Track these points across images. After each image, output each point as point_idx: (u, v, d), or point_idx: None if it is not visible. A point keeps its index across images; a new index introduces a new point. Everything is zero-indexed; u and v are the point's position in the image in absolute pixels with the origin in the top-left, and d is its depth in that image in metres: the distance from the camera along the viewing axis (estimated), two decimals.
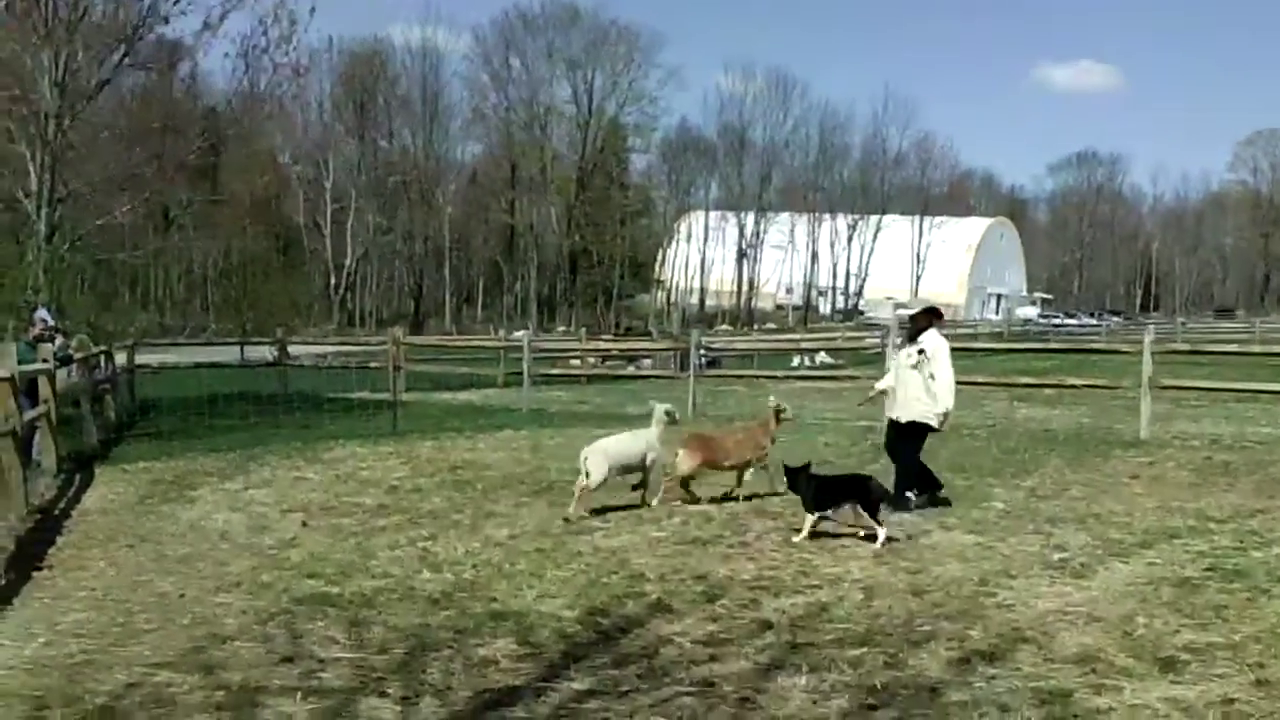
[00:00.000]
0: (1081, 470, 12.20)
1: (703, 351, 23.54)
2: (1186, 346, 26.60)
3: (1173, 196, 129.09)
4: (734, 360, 33.68)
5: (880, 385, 11.05)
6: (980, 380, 21.10)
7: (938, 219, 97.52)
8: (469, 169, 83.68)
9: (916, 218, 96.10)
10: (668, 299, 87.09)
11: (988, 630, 6.26)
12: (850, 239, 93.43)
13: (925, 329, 10.35)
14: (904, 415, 10.26)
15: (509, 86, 78.88)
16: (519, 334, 33.49)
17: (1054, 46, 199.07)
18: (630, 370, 32.33)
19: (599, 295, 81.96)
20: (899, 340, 11.06)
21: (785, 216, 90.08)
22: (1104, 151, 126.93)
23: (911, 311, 10.80)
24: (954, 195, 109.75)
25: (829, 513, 8.77)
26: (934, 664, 5.70)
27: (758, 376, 26.79)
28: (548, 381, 26.30)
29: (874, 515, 8.49)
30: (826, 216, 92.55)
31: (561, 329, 67.17)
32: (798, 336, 56.54)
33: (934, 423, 10.09)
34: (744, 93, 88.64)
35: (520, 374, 22.52)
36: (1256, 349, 28.48)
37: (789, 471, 9.12)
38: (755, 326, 79.12)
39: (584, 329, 50.67)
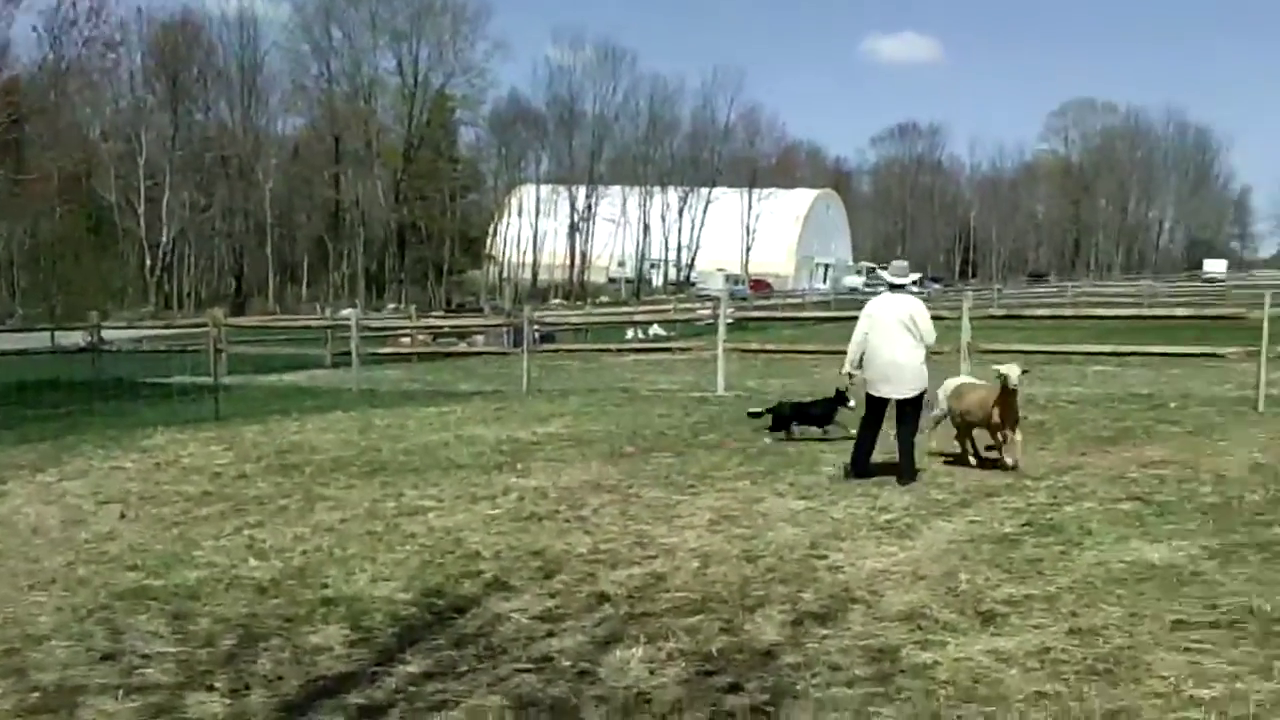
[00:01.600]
0: None
1: (536, 327, 23.48)
2: (1003, 311, 27.68)
3: (989, 166, 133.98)
4: (568, 335, 33.68)
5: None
6: (810, 349, 21.59)
7: (766, 191, 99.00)
8: (291, 143, 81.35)
9: (745, 190, 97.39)
10: (500, 274, 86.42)
11: (819, 592, 6.39)
12: (681, 211, 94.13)
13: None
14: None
15: (331, 58, 76.74)
16: (346, 312, 32.90)
17: (878, 18, 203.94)
18: (462, 347, 31.97)
19: (429, 271, 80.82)
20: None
21: (617, 189, 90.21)
22: (924, 123, 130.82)
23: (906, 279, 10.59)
24: (782, 167, 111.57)
25: None
26: (768, 628, 5.79)
27: (592, 350, 26.85)
28: (377, 360, 25.85)
29: None
30: (657, 189, 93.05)
31: (391, 306, 66.00)
32: (631, 309, 56.84)
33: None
34: (573, 64, 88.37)
35: (349, 353, 22.11)
36: (1068, 312, 29.76)
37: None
38: (589, 300, 79.13)
39: (414, 306, 49.78)
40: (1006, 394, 9.89)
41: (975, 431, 10.52)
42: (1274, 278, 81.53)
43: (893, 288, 10.35)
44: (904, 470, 9.67)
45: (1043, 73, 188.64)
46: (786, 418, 12.39)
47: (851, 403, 11.44)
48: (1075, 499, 8.80)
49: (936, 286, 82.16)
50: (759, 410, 12.96)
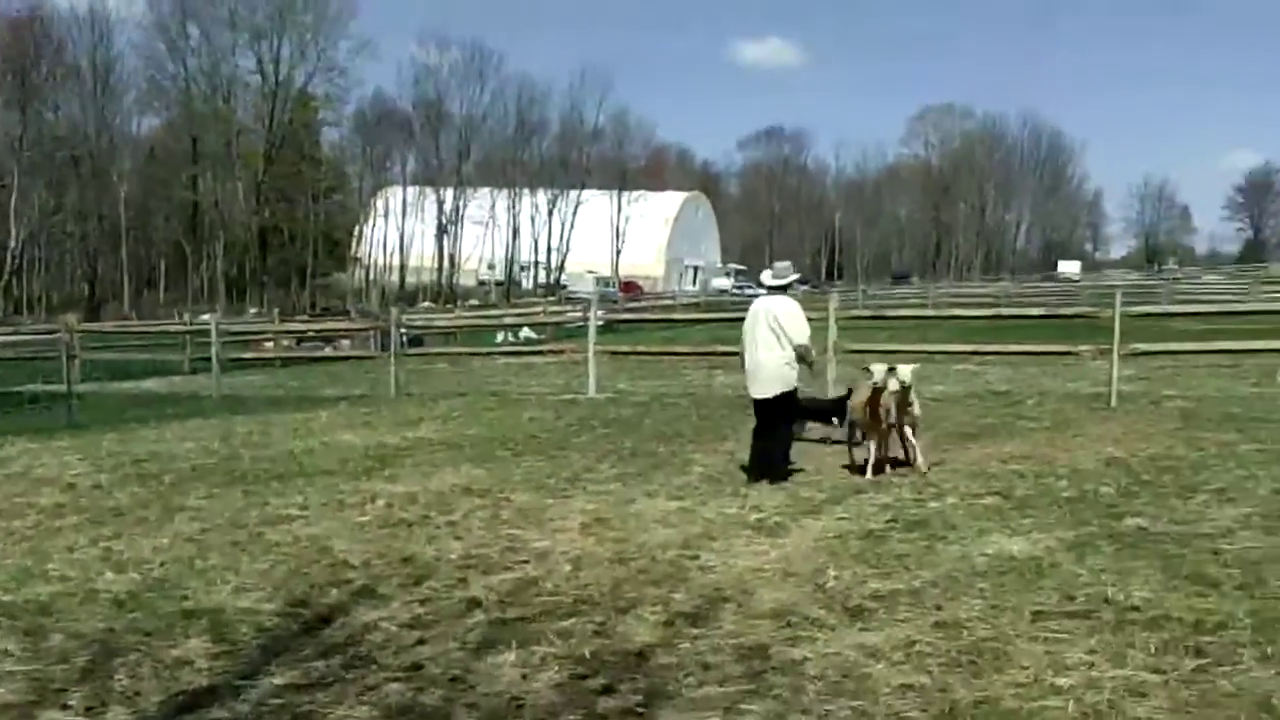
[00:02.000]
0: None
1: (404, 330, 23.19)
2: (869, 312, 28.25)
3: (853, 169, 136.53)
4: (437, 338, 33.36)
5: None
6: (680, 351, 21.74)
7: (635, 193, 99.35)
8: (147, 144, 78.91)
9: (615, 192, 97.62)
10: (366, 277, 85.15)
11: (691, 592, 6.41)
12: (551, 213, 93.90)
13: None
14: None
15: (188, 56, 74.59)
16: (206, 317, 32.01)
17: (745, 23, 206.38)
18: (328, 351, 31.48)
19: (292, 275, 79.14)
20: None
21: (485, 191, 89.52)
22: (790, 127, 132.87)
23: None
24: (651, 170, 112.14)
25: None
26: (641, 629, 5.79)
27: (462, 354, 26.63)
28: (239, 366, 25.29)
29: None
30: (526, 191, 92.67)
31: (253, 311, 64.35)
32: (501, 312, 56.49)
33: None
34: (440, 64, 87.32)
35: (209, 359, 21.57)
36: (930, 312, 30.51)
37: None
38: (458, 303, 78.40)
39: (277, 310, 48.85)
40: (877, 394, 9.98)
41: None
42: (1124, 278, 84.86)
43: (769, 289, 10.39)
44: (770, 471, 9.75)
45: (904, 78, 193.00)
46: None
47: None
48: (939, 495, 9.00)
49: (804, 288, 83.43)
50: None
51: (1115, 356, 14.92)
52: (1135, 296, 32.37)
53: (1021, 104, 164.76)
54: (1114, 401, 14.52)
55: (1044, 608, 5.92)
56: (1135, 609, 5.83)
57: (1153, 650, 5.20)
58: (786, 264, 10.70)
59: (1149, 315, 18.83)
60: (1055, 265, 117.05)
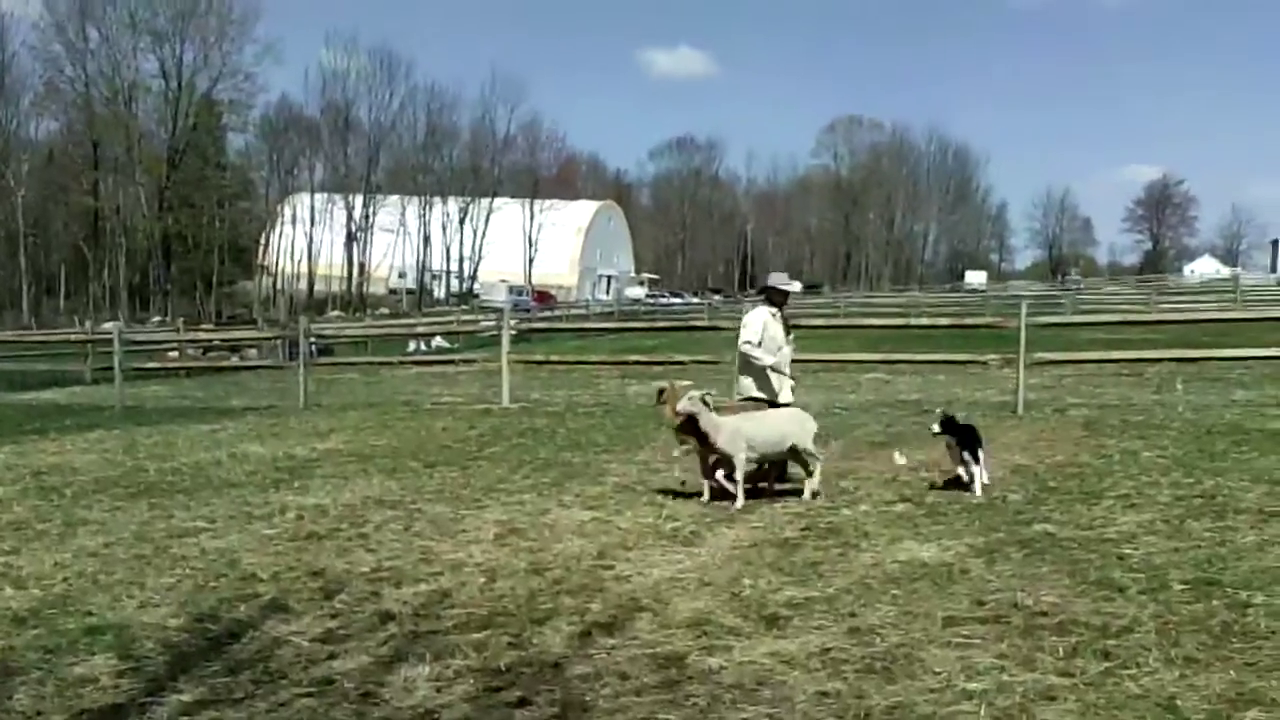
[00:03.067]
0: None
1: (313, 339, 22.88)
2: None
3: (765, 180, 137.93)
4: (347, 347, 32.98)
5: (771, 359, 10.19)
6: (594, 360, 21.73)
7: (548, 202, 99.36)
8: (45, 148, 76.97)
9: (527, 201, 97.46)
10: (274, 285, 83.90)
11: (607, 602, 6.39)
12: (462, 222, 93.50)
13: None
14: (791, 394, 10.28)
15: (87, 59, 72.95)
16: (108, 325, 31.29)
17: (656, 33, 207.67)
18: (235, 361, 30.96)
19: (198, 282, 77.67)
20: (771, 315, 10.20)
21: (395, 199, 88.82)
22: (701, 137, 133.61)
23: (798, 287, 10.30)
24: (563, 179, 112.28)
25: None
26: (556, 640, 5.75)
27: (373, 363, 26.36)
28: (143, 376, 24.74)
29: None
30: (437, 199, 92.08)
31: (157, 319, 63.09)
32: (413, 321, 56.02)
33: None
34: (347, 70, 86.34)
35: (111, 369, 21.08)
36: (841, 322, 30.82)
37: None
38: (369, 312, 77.60)
39: (182, 319, 47.83)
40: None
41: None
42: (1029, 288, 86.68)
43: (786, 295, 10.55)
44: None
45: (814, 90, 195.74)
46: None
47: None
48: (852, 502, 9.09)
49: (717, 298, 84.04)
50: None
51: (1021, 366, 15.22)
52: (1040, 307, 33.13)
53: (928, 117, 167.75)
54: (1020, 410, 14.80)
55: (955, 613, 5.99)
56: (1044, 614, 5.93)
57: (1061, 654, 5.29)
58: (781, 275, 10.77)
59: (1054, 325, 19.22)
60: (963, 276, 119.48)
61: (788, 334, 10.36)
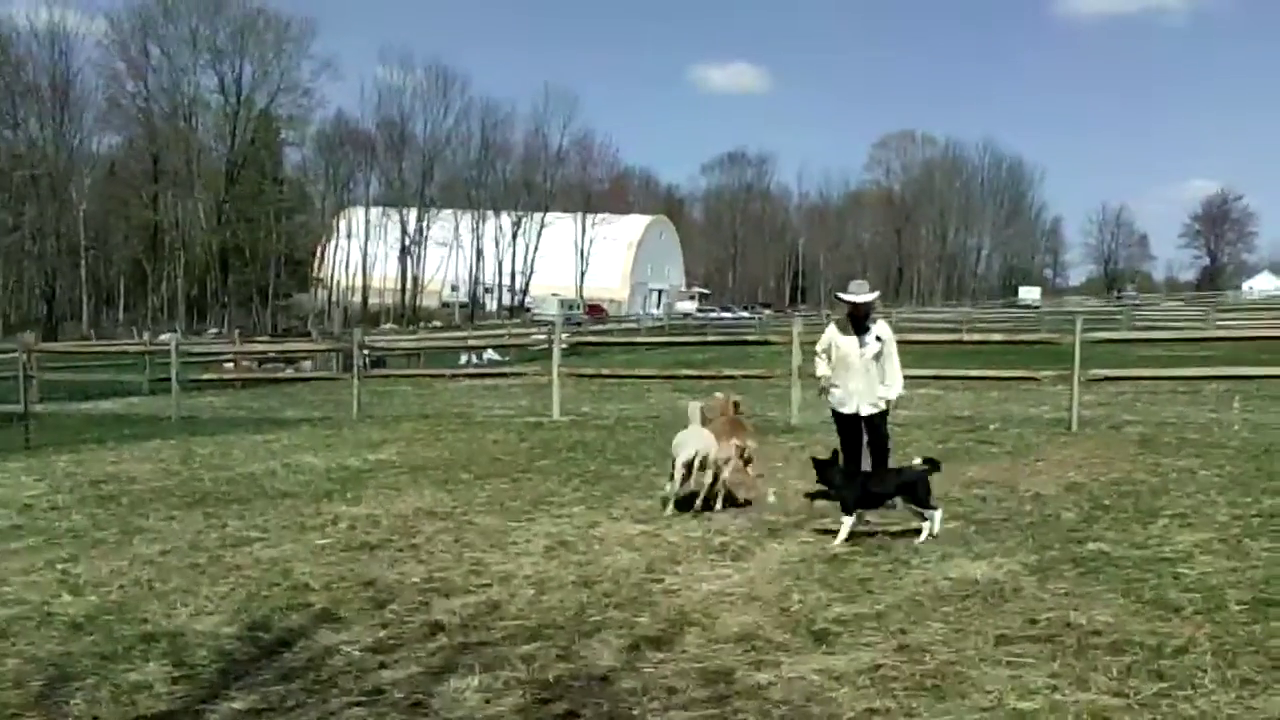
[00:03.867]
0: None
1: (366, 351, 23.08)
2: None
3: (817, 195, 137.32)
4: (399, 359, 33.20)
5: (824, 371, 10.07)
6: (644, 374, 21.74)
7: (600, 216, 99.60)
8: (106, 162, 78.24)
9: (579, 215, 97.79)
10: (329, 298, 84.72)
11: (655, 616, 6.39)
12: (515, 236, 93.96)
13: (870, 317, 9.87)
14: (873, 407, 9.83)
15: (149, 75, 74.10)
16: (165, 337, 31.77)
17: (710, 48, 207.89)
18: (289, 373, 31.27)
19: (254, 295, 78.64)
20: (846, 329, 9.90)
21: (449, 213, 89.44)
22: (753, 152, 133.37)
23: (864, 298, 9.96)
24: (615, 193, 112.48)
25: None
26: (605, 653, 5.76)
27: (425, 376, 26.52)
28: (199, 387, 25.07)
29: (926, 505, 8.33)
30: (490, 213, 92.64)
31: (213, 331, 63.96)
32: (464, 334, 56.33)
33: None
34: (403, 85, 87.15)
35: (168, 380, 21.37)
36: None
37: (820, 465, 8.65)
38: (421, 325, 78.10)
39: (238, 330, 48.45)
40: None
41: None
42: (1084, 304, 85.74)
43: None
44: None
45: (867, 105, 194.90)
46: None
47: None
48: (903, 519, 9.01)
49: (767, 312, 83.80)
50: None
51: (1075, 382, 15.04)
52: (1095, 323, 32.74)
53: (982, 132, 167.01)
54: (1075, 426, 14.63)
55: (1007, 632, 5.93)
56: (1097, 633, 5.86)
57: (1115, 674, 5.22)
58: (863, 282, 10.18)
59: (1109, 341, 19.00)
60: (1016, 291, 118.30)
61: (861, 341, 9.75)
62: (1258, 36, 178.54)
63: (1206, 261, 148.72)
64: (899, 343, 10.17)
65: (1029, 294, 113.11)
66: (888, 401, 9.88)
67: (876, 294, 10.31)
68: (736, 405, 10.67)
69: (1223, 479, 10.56)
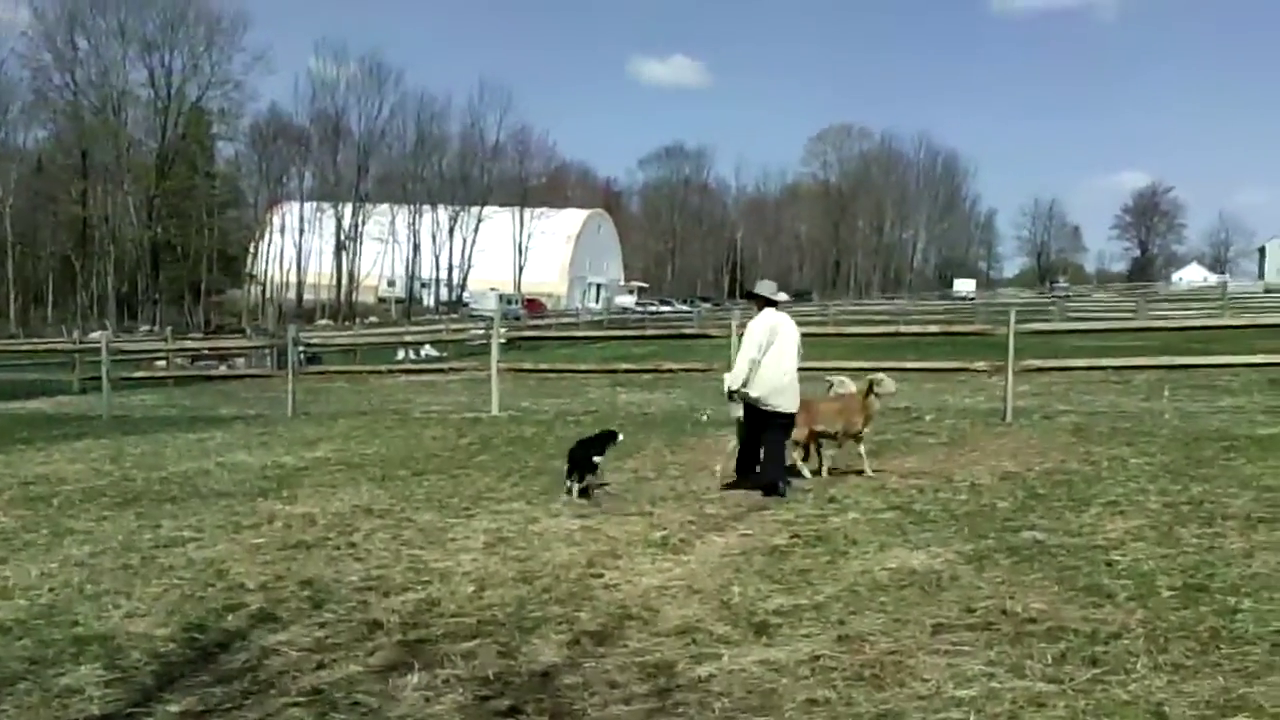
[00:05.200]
0: (680, 451, 12.74)
1: (301, 348, 22.84)
2: None
3: (754, 188, 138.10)
4: (335, 355, 32.94)
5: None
6: (584, 368, 21.72)
7: (538, 210, 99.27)
8: (33, 156, 76.73)
9: (517, 209, 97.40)
10: (263, 294, 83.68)
11: (596, 611, 6.38)
12: (452, 230, 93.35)
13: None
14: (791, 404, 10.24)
15: (76, 67, 72.82)
16: (95, 335, 31.23)
17: (649, 41, 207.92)
18: (223, 370, 30.92)
19: (185, 292, 77.50)
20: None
21: (385, 207, 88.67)
22: (691, 145, 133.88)
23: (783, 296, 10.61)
24: (552, 187, 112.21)
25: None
26: (546, 649, 5.74)
27: (361, 372, 26.31)
28: (130, 385, 24.71)
29: None
30: (427, 207, 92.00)
31: (145, 328, 62.95)
32: (401, 329, 55.96)
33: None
34: (337, 79, 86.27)
35: (99, 379, 21.02)
36: (830, 330, 30.88)
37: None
38: (357, 320, 77.47)
39: (170, 328, 47.71)
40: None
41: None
42: (1017, 296, 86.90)
43: (777, 305, 10.52)
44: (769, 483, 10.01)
45: (805, 99, 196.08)
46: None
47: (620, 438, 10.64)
48: (840, 510, 9.09)
49: (706, 305, 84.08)
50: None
51: (1010, 373, 15.24)
52: (1029, 314, 33.21)
53: (918, 126, 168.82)
54: (1009, 417, 14.82)
55: (944, 620, 6.00)
56: (1033, 620, 5.93)
57: (1050, 661, 5.29)
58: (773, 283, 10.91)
59: (1042, 332, 19.28)
60: (951, 283, 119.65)
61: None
62: (1187, 30, 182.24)
63: (1137, 253, 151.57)
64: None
65: (964, 286, 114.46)
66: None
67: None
68: (871, 386, 11.01)
69: (1154, 467, 10.75)
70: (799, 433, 10.58)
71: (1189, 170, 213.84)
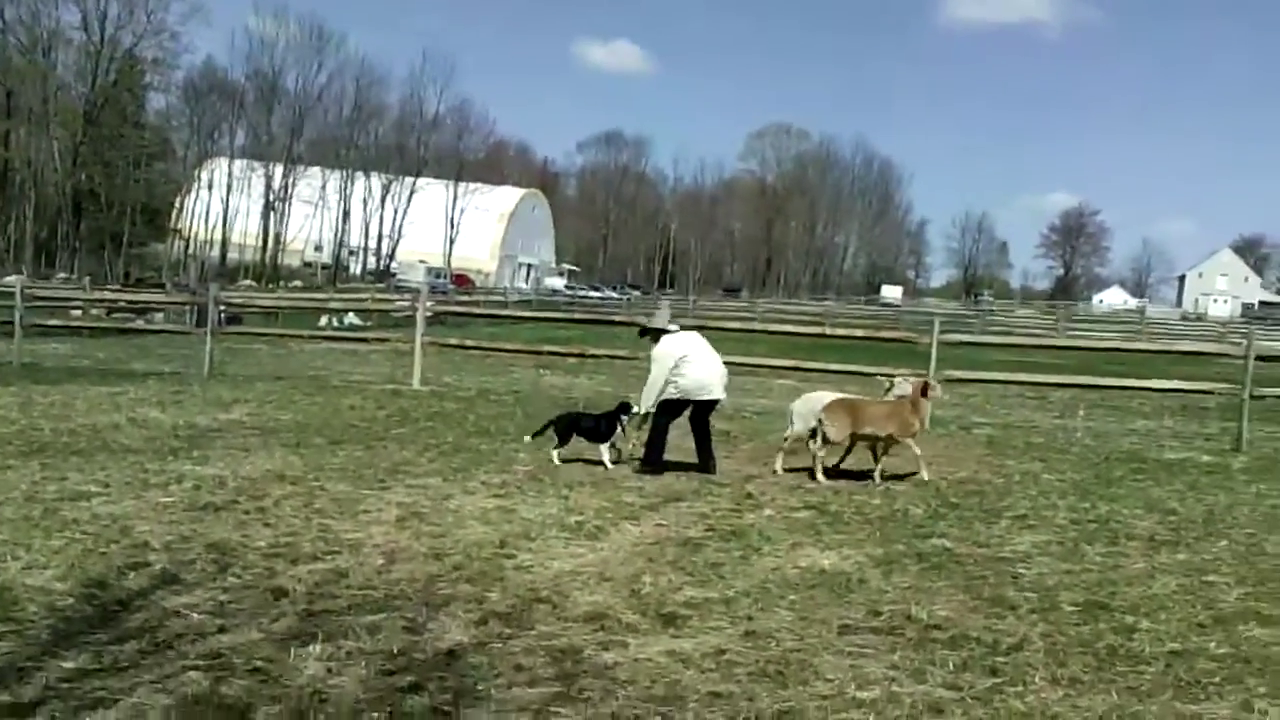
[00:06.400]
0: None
1: (222, 307, 22.47)
2: (695, 322, 28.46)
3: (691, 180, 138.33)
4: (257, 317, 32.43)
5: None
6: (509, 348, 21.61)
7: (473, 186, 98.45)
8: None
9: (451, 183, 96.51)
10: (185, 250, 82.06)
11: (506, 592, 6.36)
12: (384, 199, 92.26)
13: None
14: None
15: (6, 6, 70.65)
16: (10, 279, 30.42)
17: (594, 24, 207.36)
18: (140, 324, 30.32)
19: (107, 242, 75.68)
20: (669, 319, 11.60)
21: (316, 171, 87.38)
22: (630, 133, 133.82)
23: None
24: (489, 163, 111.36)
25: None
26: (453, 627, 5.71)
27: (282, 336, 25.94)
28: (44, 333, 24.10)
29: None
30: (360, 174, 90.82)
31: (62, 276, 61.39)
32: (326, 296, 55.22)
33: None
34: (276, 37, 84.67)
35: (10, 324, 20.49)
36: (757, 326, 31.02)
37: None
38: (281, 283, 76.32)
39: (88, 277, 46.67)
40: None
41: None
42: (941, 306, 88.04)
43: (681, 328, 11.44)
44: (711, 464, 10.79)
45: (746, 95, 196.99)
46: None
47: (636, 410, 10.89)
48: (756, 506, 9.15)
49: (636, 294, 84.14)
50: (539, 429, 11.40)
51: (930, 382, 15.39)
52: (952, 325, 33.60)
53: (856, 131, 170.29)
54: (926, 425, 14.96)
55: (850, 622, 6.06)
56: (937, 627, 6.02)
57: (951, 668, 5.37)
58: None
59: (965, 344, 19.52)
60: (879, 289, 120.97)
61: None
62: (1126, 56, 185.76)
63: (1061, 272, 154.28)
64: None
65: (891, 293, 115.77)
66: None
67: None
68: (926, 387, 11.21)
69: (1064, 484, 10.95)
70: (838, 434, 10.62)
71: (1117, 195, 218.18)
